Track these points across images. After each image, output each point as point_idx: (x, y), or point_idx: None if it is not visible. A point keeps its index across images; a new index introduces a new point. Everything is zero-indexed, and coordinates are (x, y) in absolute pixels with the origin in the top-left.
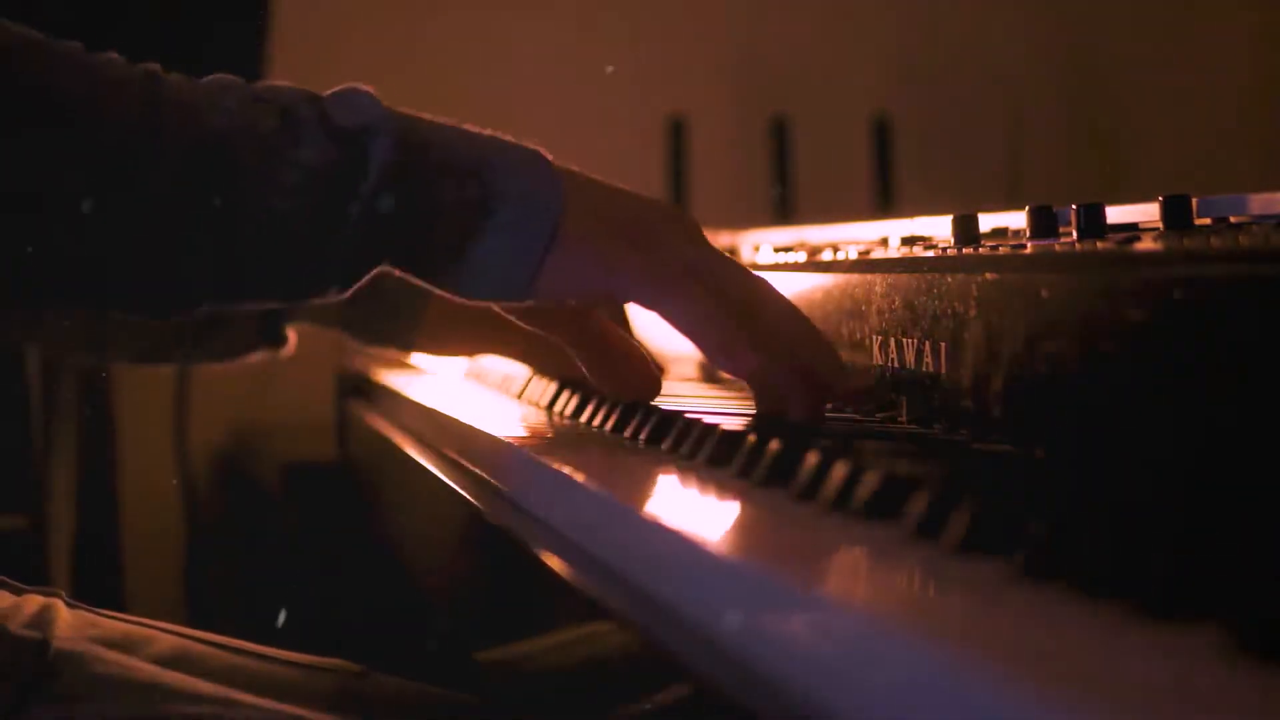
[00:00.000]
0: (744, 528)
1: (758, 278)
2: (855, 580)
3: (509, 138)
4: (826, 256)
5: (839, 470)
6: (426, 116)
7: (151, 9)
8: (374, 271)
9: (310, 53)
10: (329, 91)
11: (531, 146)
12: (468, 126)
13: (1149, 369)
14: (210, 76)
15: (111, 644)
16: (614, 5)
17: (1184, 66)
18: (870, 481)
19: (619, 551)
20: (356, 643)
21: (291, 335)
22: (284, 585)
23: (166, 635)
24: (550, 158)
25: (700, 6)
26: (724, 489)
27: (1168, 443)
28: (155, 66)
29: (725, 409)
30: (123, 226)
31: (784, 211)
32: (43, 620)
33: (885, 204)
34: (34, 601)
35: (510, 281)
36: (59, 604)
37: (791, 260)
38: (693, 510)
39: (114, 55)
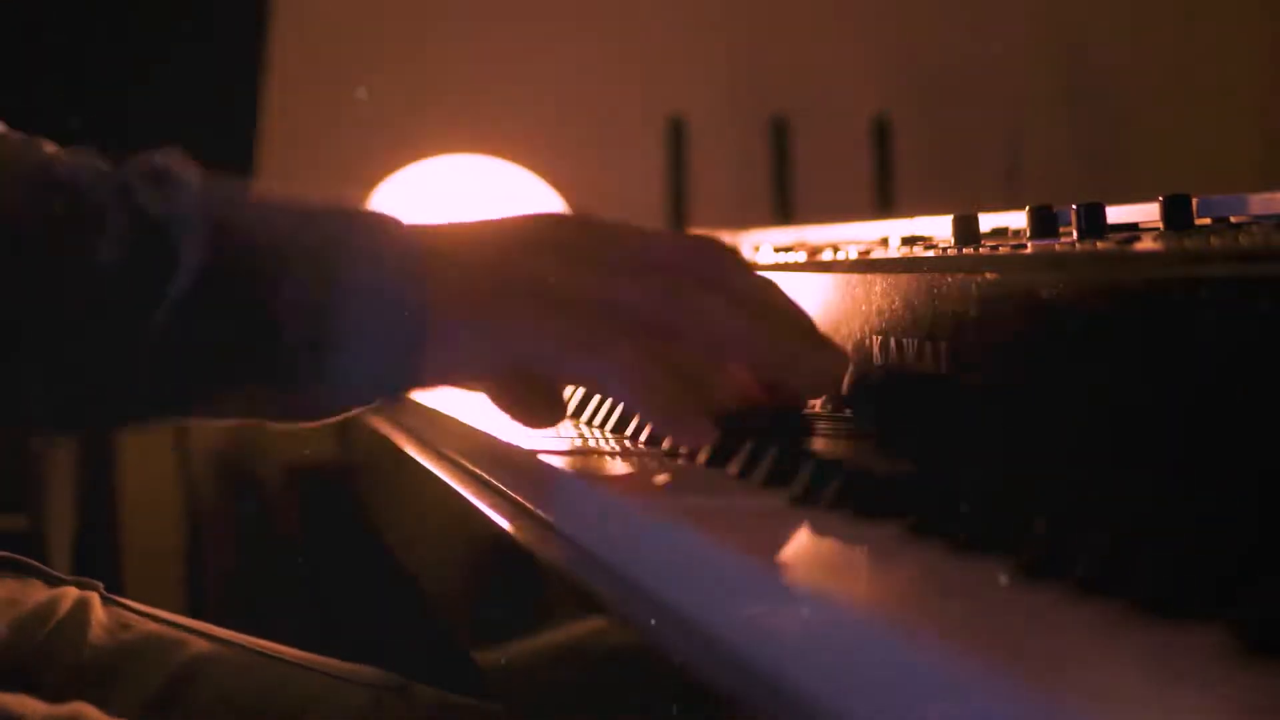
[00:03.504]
0: (741, 526)
1: (691, 271)
2: (854, 579)
3: (351, 206)
4: (826, 256)
5: (838, 471)
6: (250, 193)
7: (151, 10)
8: (212, 398)
9: (310, 54)
10: (141, 158)
11: (380, 213)
12: (297, 198)
13: (1149, 368)
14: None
15: (143, 647)
16: (614, 5)
17: (1184, 66)
18: (869, 481)
19: (621, 551)
20: (358, 642)
21: None
22: (285, 586)
23: (199, 639)
24: (403, 222)
25: (700, 6)
26: (722, 488)
27: (1168, 442)
28: None
29: None
30: None
31: (784, 211)
32: (78, 621)
33: (885, 204)
34: (70, 595)
35: (383, 386)
36: (95, 599)
37: (791, 260)
38: (693, 509)
39: None
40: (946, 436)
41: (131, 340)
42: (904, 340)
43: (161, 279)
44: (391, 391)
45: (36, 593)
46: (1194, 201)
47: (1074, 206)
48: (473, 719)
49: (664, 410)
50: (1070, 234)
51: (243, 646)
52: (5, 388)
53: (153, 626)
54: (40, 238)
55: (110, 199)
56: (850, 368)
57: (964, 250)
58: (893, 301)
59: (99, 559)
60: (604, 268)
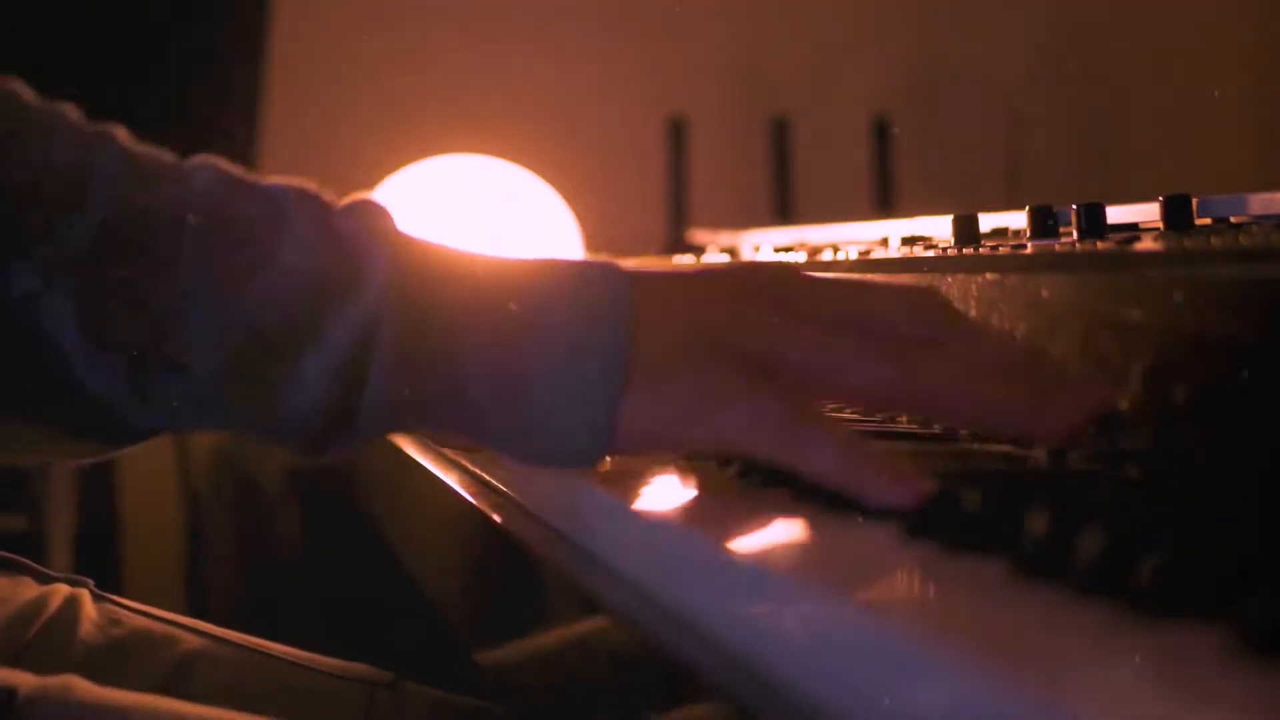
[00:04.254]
0: (743, 526)
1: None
2: (854, 579)
3: (559, 258)
4: (826, 257)
5: None
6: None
7: (152, 10)
8: (394, 425)
9: (310, 54)
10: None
11: (590, 262)
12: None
13: (1148, 369)
14: (197, 157)
15: (134, 643)
16: (614, 5)
17: (1183, 66)
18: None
19: (621, 551)
20: (358, 642)
21: None
22: (285, 586)
23: (191, 635)
24: (618, 268)
25: (700, 6)
26: (723, 488)
27: (1166, 441)
28: (113, 130)
29: None
30: (22, 331)
31: (784, 211)
32: (68, 617)
33: (885, 204)
34: (60, 592)
35: (575, 442)
36: (86, 596)
37: (791, 260)
38: (693, 509)
39: (68, 108)
40: (949, 434)
41: (313, 351)
42: None
43: (347, 292)
44: (580, 454)
45: (27, 590)
46: (1194, 201)
47: (1074, 206)
48: (466, 716)
49: (870, 488)
50: (1070, 234)
51: (235, 643)
52: (162, 387)
53: (144, 623)
54: (221, 234)
55: (301, 210)
56: (1097, 406)
57: (964, 250)
58: None
59: (99, 558)
60: (818, 327)
